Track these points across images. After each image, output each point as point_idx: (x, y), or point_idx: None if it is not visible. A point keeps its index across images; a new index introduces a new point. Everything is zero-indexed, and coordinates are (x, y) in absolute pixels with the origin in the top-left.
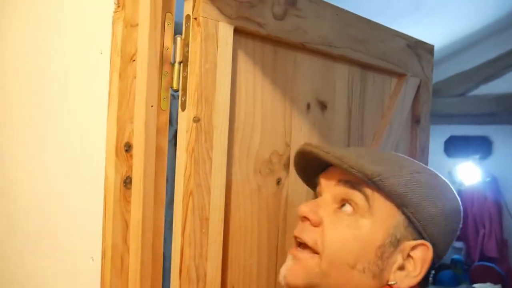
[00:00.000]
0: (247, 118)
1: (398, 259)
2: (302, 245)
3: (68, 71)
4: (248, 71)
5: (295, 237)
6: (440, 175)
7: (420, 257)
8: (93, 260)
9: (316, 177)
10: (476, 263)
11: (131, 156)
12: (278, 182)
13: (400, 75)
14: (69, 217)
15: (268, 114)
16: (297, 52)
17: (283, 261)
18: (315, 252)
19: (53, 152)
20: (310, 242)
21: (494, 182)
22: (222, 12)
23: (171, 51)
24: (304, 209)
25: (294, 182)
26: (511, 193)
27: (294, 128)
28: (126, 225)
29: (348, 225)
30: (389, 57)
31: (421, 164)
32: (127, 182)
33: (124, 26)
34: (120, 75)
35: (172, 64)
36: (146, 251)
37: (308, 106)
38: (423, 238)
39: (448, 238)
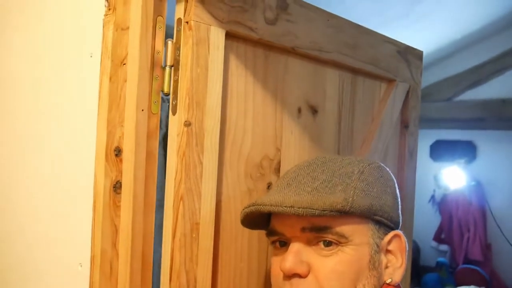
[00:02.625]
0: (238, 122)
1: (383, 258)
2: None
3: (58, 73)
4: (239, 75)
5: None
6: (369, 159)
7: (397, 247)
8: (81, 266)
9: (260, 221)
10: (461, 266)
11: (121, 160)
12: (269, 186)
13: (390, 81)
14: (58, 223)
15: (259, 118)
16: (288, 57)
17: None
18: None
19: (42, 156)
20: None
21: (478, 187)
22: (214, 16)
23: (162, 54)
24: (288, 265)
25: None
26: (495, 198)
27: (285, 132)
28: (115, 230)
29: (335, 258)
30: (379, 62)
31: (348, 159)
32: (116, 186)
33: (115, 29)
34: (110, 78)
35: (163, 68)
36: (136, 256)
37: (299, 110)
38: (390, 227)
39: (399, 208)
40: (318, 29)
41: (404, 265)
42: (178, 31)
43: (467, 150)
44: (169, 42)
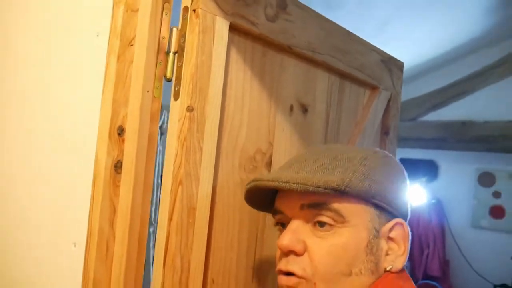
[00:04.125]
0: (235, 113)
1: (383, 245)
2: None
3: (64, 52)
4: (239, 69)
5: (280, 271)
6: (376, 148)
7: (400, 235)
8: (75, 245)
9: (266, 202)
10: (420, 282)
11: (123, 140)
12: None
13: (373, 88)
14: (55, 200)
15: (255, 112)
16: (283, 55)
17: (262, 260)
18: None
19: (45, 132)
20: (299, 271)
21: (438, 204)
22: (219, 6)
23: (166, 40)
24: (285, 242)
25: None
26: (454, 215)
27: (278, 128)
28: (114, 209)
29: (330, 240)
30: (365, 69)
31: (354, 147)
32: (117, 166)
33: (125, 10)
34: (118, 58)
35: (167, 54)
36: (133, 238)
37: (291, 108)
38: (393, 215)
39: (406, 199)
40: (312, 31)
41: (406, 253)
42: (184, 18)
43: (429, 169)
44: (174, 29)
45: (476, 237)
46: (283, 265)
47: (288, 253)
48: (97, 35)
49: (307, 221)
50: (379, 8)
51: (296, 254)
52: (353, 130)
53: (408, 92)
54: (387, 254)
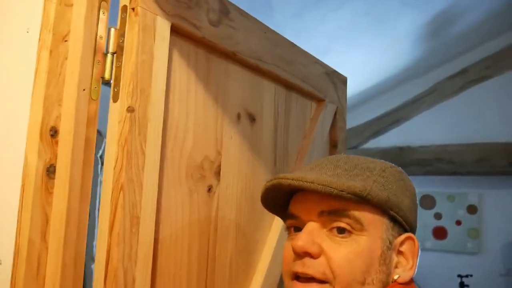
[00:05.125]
0: (180, 119)
1: (394, 257)
2: (305, 279)
3: None
4: (182, 72)
5: (297, 273)
6: (390, 163)
7: (410, 249)
8: (0, 263)
9: (281, 205)
10: None
11: (56, 142)
12: (209, 189)
13: (319, 100)
14: None
15: (201, 119)
16: (228, 62)
17: (214, 278)
18: (323, 281)
19: None
20: (318, 275)
21: None
22: (160, 6)
23: (104, 40)
24: (300, 243)
25: (224, 191)
26: None
27: (225, 137)
28: (46, 219)
29: (348, 247)
30: (310, 80)
31: (371, 159)
32: (50, 170)
33: (58, 4)
34: (50, 52)
35: (105, 55)
36: (68, 250)
37: (239, 116)
38: (405, 229)
39: (416, 215)
40: (256, 40)
41: (414, 268)
42: (123, 18)
43: None
44: (112, 29)
45: (422, 258)
46: (299, 267)
47: (303, 254)
48: (27, 31)
49: (323, 226)
50: (315, 40)
51: (312, 256)
52: (301, 141)
53: (348, 122)
54: (396, 267)
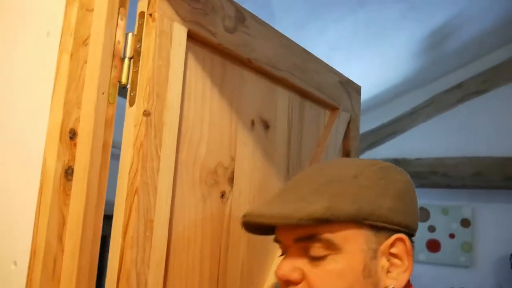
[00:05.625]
0: (195, 124)
1: (384, 263)
2: None
3: (12, 51)
4: (197, 78)
5: None
6: (374, 160)
7: (402, 250)
8: (15, 264)
9: (268, 230)
10: None
11: (75, 144)
12: (222, 195)
13: (333, 108)
14: None
15: (215, 125)
16: (243, 69)
17: (225, 284)
18: None
19: None
20: None
21: None
22: (177, 12)
23: (122, 45)
24: (282, 272)
25: (237, 197)
26: None
27: (239, 143)
28: (63, 221)
29: (327, 268)
30: (324, 89)
31: (350, 162)
32: (68, 172)
33: (80, 8)
34: (71, 56)
35: (122, 60)
36: (84, 252)
37: (253, 123)
38: (394, 230)
39: (412, 211)
40: (272, 47)
41: (409, 269)
42: (140, 24)
43: None
44: (130, 34)
45: (415, 270)
46: None
47: (286, 282)
48: (47, 35)
49: (303, 250)
50: (316, 50)
51: (294, 283)
52: (315, 149)
53: None
54: (388, 272)
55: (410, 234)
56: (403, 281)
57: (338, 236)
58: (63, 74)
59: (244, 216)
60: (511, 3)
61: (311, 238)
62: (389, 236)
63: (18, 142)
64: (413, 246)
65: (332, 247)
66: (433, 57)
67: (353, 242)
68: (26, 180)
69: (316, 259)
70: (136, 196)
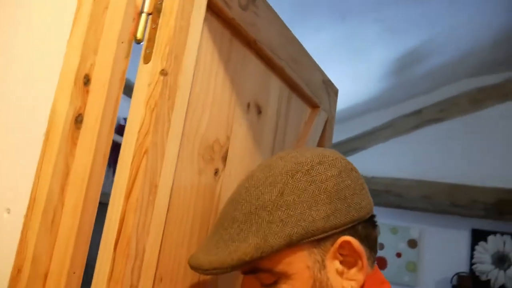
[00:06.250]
0: (200, 95)
1: (337, 266)
2: None
3: None
4: (207, 50)
5: None
6: (300, 158)
7: (349, 250)
8: (8, 212)
9: None
10: None
11: (87, 91)
12: (216, 172)
13: (315, 106)
14: None
15: (217, 100)
16: (246, 49)
17: None
18: None
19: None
20: None
21: None
22: None
23: (141, 0)
24: None
25: (228, 177)
26: None
27: (235, 123)
28: (67, 171)
29: None
30: (310, 85)
31: (276, 163)
32: (78, 120)
33: None
34: None
35: (139, 14)
36: (88, 208)
37: (248, 105)
38: (339, 233)
39: (356, 201)
40: (275, 33)
41: (365, 263)
42: None
43: None
44: None
45: None
46: None
47: None
48: None
49: (256, 278)
50: None
51: None
52: (295, 144)
53: None
54: (342, 273)
55: (366, 220)
56: (361, 279)
57: (278, 264)
58: (84, 16)
59: (188, 261)
60: (474, 39)
61: (254, 271)
62: (335, 241)
63: (27, 83)
64: (374, 232)
65: (277, 274)
66: (400, 80)
67: (297, 263)
68: (31, 123)
69: (268, 286)
70: (145, 157)
